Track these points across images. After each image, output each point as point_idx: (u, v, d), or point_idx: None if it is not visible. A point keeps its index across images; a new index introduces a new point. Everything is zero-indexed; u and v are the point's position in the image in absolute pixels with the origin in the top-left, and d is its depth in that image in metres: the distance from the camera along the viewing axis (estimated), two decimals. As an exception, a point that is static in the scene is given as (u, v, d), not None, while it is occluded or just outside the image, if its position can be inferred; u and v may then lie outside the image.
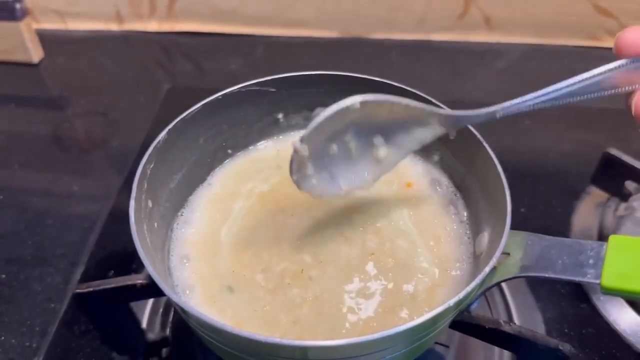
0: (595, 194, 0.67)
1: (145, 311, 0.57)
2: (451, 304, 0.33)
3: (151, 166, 0.42)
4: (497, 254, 0.35)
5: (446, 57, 0.94)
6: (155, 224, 0.42)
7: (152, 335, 0.54)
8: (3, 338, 0.57)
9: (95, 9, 0.98)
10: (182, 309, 0.34)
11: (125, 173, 0.73)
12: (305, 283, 0.41)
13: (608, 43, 0.91)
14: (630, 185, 0.65)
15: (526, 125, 0.80)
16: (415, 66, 0.92)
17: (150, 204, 0.42)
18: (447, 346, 0.49)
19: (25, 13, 0.87)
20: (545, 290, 0.59)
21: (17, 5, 0.85)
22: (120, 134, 0.82)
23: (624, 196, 0.65)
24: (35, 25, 0.93)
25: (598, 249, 0.35)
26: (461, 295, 0.33)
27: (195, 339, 0.52)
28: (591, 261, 0.35)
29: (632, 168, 0.63)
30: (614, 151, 0.63)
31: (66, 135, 0.83)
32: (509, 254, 0.37)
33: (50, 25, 1.00)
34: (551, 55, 0.92)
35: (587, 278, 0.34)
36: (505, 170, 0.42)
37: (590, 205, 0.66)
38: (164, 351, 0.54)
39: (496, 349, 0.53)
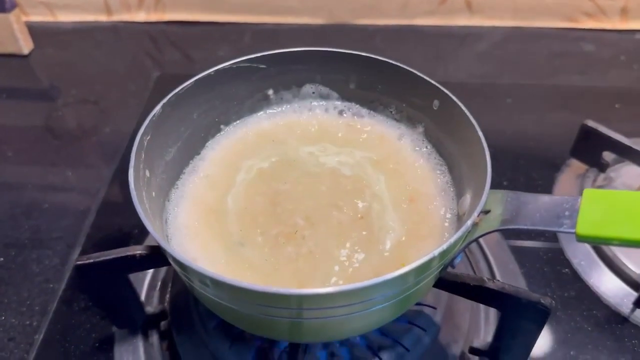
0: (575, 166, 0.70)
1: (143, 286, 0.59)
2: (436, 254, 0.35)
3: (148, 138, 0.44)
4: (479, 208, 0.37)
5: (429, 41, 0.97)
6: (153, 193, 0.44)
7: (150, 309, 0.56)
8: (3, 318, 0.59)
9: (83, 1, 0.99)
10: (182, 265, 0.35)
11: (118, 157, 0.75)
12: (299, 241, 0.43)
13: (585, 24, 0.94)
14: (608, 156, 0.67)
15: (508, 103, 0.82)
16: (399, 50, 0.95)
17: (147, 173, 0.43)
18: (434, 307, 0.52)
19: (14, 5, 0.88)
20: (529, 257, 0.61)
21: (6, -3, 0.86)
22: (112, 121, 0.83)
23: (602, 167, 0.67)
24: (24, 18, 0.94)
25: (573, 202, 0.37)
26: (444, 246, 0.35)
27: (193, 310, 0.53)
28: (567, 213, 0.37)
29: (610, 139, 0.65)
30: (592, 123, 0.65)
31: (59, 124, 0.84)
32: (489, 210, 0.39)
33: (39, 17, 1.01)
34: (530, 37, 0.95)
35: (564, 228, 0.36)
36: (488, 147, 0.44)
37: (570, 176, 0.69)
38: (163, 324, 0.56)
39: (482, 311, 0.56)
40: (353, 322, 0.39)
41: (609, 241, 0.35)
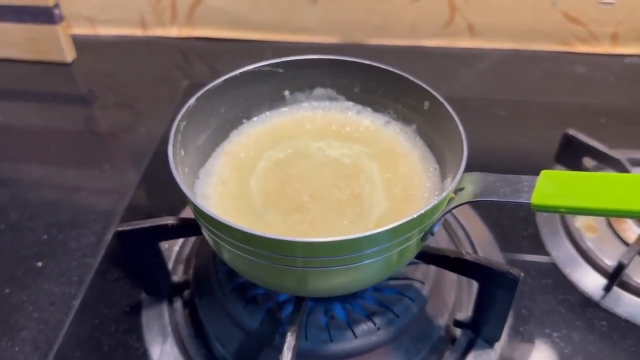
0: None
1: (170, 260, 0.66)
2: (414, 216, 0.42)
3: (184, 124, 0.52)
4: (454, 183, 0.45)
5: (434, 60, 1.05)
6: (186, 169, 0.52)
7: (176, 278, 0.63)
8: (46, 286, 0.66)
9: (122, 16, 1.09)
10: (214, 220, 0.43)
11: (150, 154, 0.83)
12: (304, 212, 0.51)
13: (578, 48, 1.02)
14: (588, 162, 0.74)
15: (504, 117, 0.90)
16: (406, 68, 1.02)
17: (182, 152, 0.51)
18: (423, 282, 0.59)
19: (62, 18, 0.98)
20: (512, 247, 0.68)
21: (56, 11, 0.96)
22: (145, 123, 0.91)
23: (583, 171, 0.74)
24: (69, 31, 1.05)
25: (532, 180, 0.44)
26: (422, 210, 0.42)
27: (213, 278, 0.61)
28: (526, 189, 0.44)
29: (588, 146, 0.72)
30: (572, 132, 0.73)
31: (96, 124, 0.94)
32: (463, 188, 0.47)
33: (82, 30, 1.11)
34: (527, 59, 1.03)
35: (521, 199, 0.43)
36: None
37: (554, 180, 0.76)
38: (186, 293, 0.63)
39: (465, 291, 0.63)
40: (349, 276, 0.46)
41: (557, 209, 0.43)
